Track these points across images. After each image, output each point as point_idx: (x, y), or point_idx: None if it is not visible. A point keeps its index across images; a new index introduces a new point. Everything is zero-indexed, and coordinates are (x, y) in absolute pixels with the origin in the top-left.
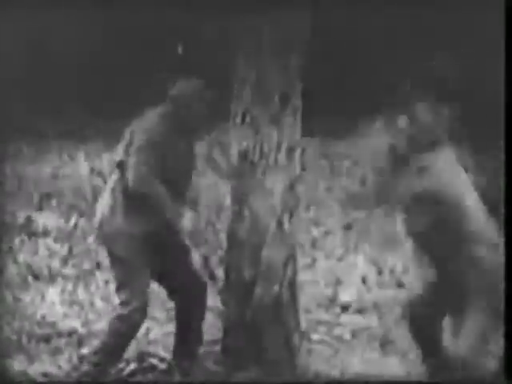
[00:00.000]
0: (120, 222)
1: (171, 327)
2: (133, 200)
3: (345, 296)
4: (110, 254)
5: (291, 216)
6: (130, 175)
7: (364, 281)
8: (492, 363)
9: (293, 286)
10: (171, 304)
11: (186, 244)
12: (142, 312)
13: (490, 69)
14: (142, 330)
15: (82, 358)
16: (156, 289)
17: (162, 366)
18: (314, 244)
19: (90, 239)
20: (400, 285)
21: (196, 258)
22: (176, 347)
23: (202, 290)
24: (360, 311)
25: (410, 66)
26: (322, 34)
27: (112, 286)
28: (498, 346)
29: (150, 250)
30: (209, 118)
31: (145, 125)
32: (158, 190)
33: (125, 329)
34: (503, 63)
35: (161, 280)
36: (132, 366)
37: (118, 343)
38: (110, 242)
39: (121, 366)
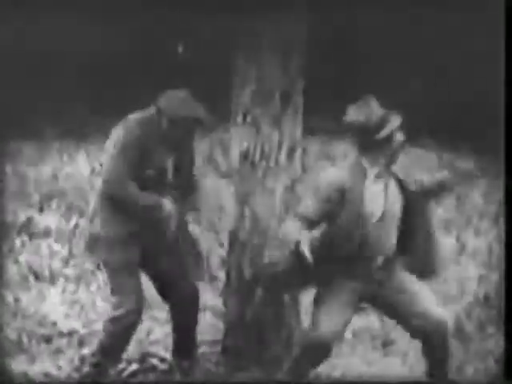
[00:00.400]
0: (98, 227)
1: None
2: (111, 203)
3: None
4: (96, 259)
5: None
6: (100, 180)
7: None
8: None
9: None
10: None
11: (179, 245)
12: (135, 313)
13: (490, 69)
14: (143, 330)
15: (82, 359)
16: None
17: (163, 366)
18: None
19: None
20: None
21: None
22: (174, 349)
23: (194, 293)
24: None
25: (409, 66)
26: (323, 34)
27: None
28: (498, 345)
29: (135, 252)
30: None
31: (119, 130)
32: (128, 189)
33: (118, 331)
34: (503, 63)
35: (153, 281)
36: (133, 366)
37: (113, 345)
38: (91, 248)
39: (122, 366)
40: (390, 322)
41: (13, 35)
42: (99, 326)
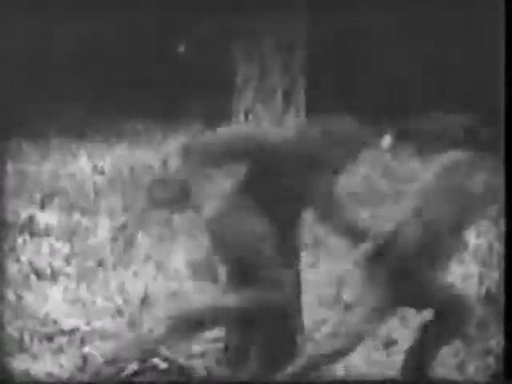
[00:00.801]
0: None
1: None
2: None
3: (348, 296)
4: None
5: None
6: None
7: None
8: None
9: (296, 285)
10: (172, 303)
11: None
12: None
13: (490, 69)
14: (145, 329)
15: (84, 358)
16: (155, 289)
17: (164, 365)
18: (317, 243)
19: (92, 237)
20: None
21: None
22: None
23: None
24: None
25: (409, 66)
26: (323, 33)
27: (114, 284)
28: (498, 344)
29: None
30: None
31: None
32: None
33: None
34: (503, 63)
35: None
36: (134, 365)
37: None
38: None
39: (122, 365)
40: (392, 322)
41: (13, 35)
42: (100, 324)
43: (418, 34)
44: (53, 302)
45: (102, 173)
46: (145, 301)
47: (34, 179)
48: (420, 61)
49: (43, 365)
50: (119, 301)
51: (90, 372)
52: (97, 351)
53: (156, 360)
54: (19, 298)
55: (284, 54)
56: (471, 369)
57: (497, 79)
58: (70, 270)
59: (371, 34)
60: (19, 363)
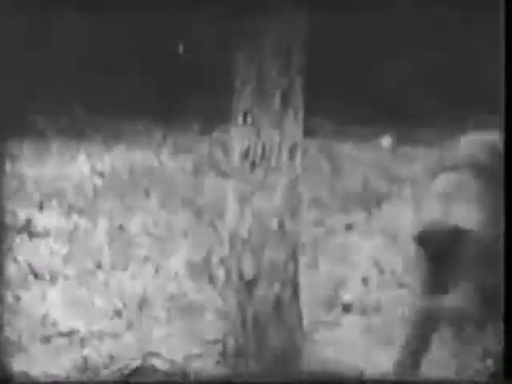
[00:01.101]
0: None
1: (174, 327)
2: None
3: (347, 296)
4: None
5: (293, 216)
6: None
7: (366, 281)
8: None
9: (294, 286)
10: (172, 303)
11: None
12: None
13: (490, 69)
14: (145, 329)
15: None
16: (153, 288)
17: (164, 366)
18: (315, 244)
19: (91, 239)
20: (401, 285)
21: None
22: None
23: None
24: (362, 312)
25: (410, 66)
26: (323, 33)
27: (112, 286)
28: (498, 345)
29: None
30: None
31: None
32: None
33: None
34: (503, 63)
35: None
36: (133, 365)
37: None
38: None
39: (121, 365)
40: (391, 323)
41: (12, 35)
42: (99, 326)
43: (417, 33)
44: (51, 304)
45: (101, 174)
46: (143, 302)
47: (33, 180)
48: (420, 61)
49: (42, 366)
50: (118, 302)
51: (89, 373)
52: (96, 352)
53: (155, 360)
54: (17, 299)
55: (283, 55)
56: (470, 369)
57: (497, 79)
58: (69, 271)
59: (371, 33)
60: (18, 364)
